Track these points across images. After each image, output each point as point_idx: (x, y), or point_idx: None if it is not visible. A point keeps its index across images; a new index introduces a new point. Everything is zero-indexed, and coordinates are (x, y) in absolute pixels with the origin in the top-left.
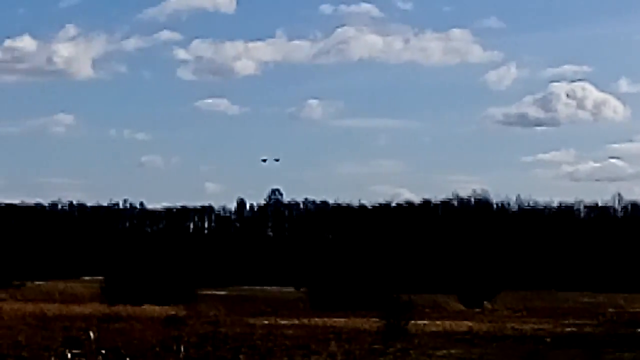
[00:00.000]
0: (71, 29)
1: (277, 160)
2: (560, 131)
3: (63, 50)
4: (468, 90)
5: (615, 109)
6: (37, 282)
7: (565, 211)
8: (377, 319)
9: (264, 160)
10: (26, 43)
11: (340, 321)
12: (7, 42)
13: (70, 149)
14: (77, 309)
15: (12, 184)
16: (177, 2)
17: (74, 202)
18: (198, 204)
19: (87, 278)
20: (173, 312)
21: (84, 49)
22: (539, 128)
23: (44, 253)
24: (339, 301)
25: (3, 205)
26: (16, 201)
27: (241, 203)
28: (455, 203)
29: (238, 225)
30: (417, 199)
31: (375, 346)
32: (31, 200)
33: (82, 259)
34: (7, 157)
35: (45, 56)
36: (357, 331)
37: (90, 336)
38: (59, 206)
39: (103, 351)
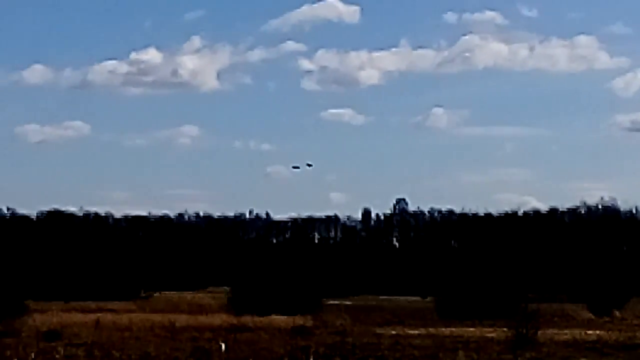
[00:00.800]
0: (196, 41)
1: (309, 165)
2: None
3: (188, 62)
4: (595, 97)
5: None
6: (165, 293)
7: None
8: (505, 328)
9: (296, 167)
10: (152, 55)
11: (468, 330)
12: (133, 55)
13: (196, 161)
14: (204, 319)
15: (139, 195)
16: (302, 12)
17: (201, 213)
18: (323, 214)
19: (213, 289)
20: (301, 322)
21: (208, 60)
22: None
23: (171, 264)
24: (466, 310)
25: (130, 217)
26: (143, 213)
27: (367, 213)
28: (583, 211)
29: (364, 235)
30: (544, 207)
31: (504, 356)
32: (158, 212)
33: (209, 270)
34: (134, 169)
35: (171, 68)
36: (485, 340)
37: (221, 347)
38: (186, 217)
39: None
